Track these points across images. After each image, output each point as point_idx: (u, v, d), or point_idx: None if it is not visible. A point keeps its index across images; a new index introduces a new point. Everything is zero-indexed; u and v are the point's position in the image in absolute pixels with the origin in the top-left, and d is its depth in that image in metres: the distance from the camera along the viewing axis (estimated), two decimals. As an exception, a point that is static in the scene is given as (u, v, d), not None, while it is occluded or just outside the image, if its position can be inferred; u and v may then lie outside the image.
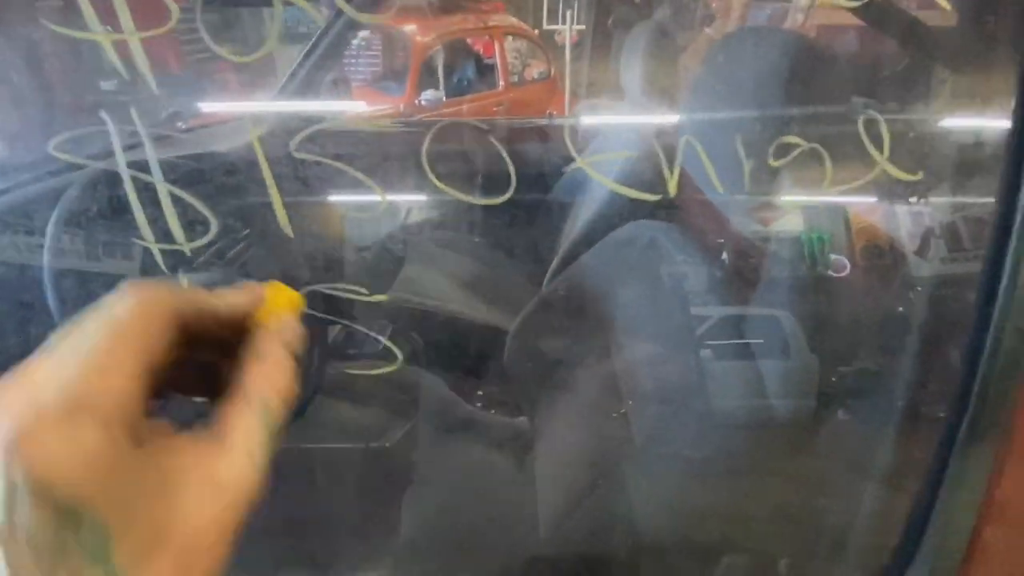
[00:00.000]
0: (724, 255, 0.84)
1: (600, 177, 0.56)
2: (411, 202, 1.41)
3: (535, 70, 4.08)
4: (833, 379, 0.75)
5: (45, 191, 0.85)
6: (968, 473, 0.44)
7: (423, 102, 3.13)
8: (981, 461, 0.43)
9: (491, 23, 3.61)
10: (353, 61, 3.60)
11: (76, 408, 0.24)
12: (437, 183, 0.60)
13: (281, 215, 0.60)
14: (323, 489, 1.00)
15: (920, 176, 0.64)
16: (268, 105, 1.52)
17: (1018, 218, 0.43)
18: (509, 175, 0.60)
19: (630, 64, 1.14)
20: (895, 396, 0.63)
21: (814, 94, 0.72)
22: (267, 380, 0.30)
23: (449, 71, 3.63)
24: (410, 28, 3.28)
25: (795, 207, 0.85)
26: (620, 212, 0.90)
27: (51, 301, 0.77)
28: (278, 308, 0.32)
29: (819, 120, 0.71)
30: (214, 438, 0.28)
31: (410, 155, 0.64)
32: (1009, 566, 0.46)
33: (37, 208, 0.81)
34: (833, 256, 0.82)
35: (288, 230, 0.61)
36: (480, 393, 1.24)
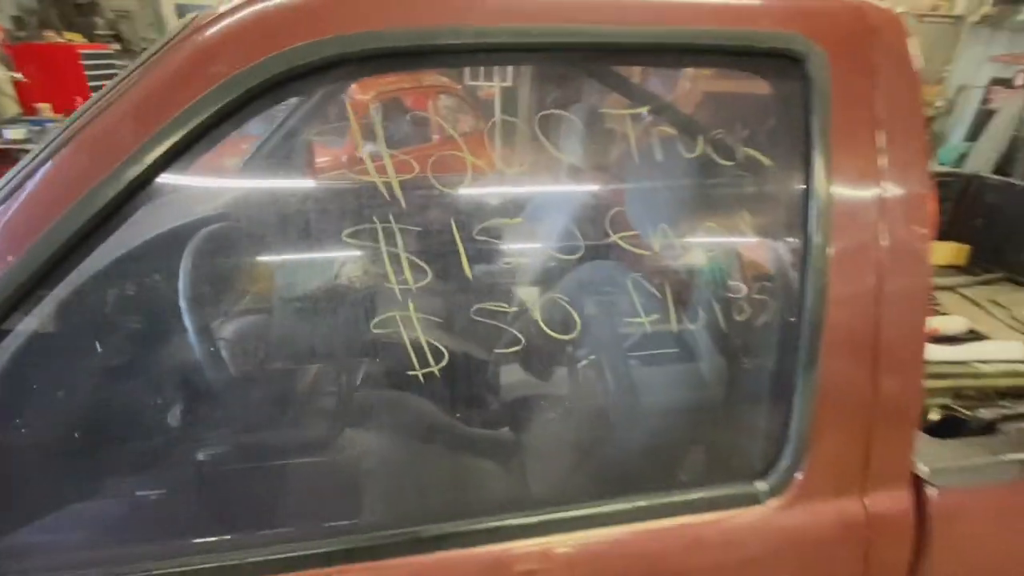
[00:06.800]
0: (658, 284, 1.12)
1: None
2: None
3: (465, 125, 4.39)
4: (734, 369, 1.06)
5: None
6: (805, 398, 0.82)
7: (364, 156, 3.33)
8: (809, 389, 0.81)
9: (425, 82, 3.90)
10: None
11: None
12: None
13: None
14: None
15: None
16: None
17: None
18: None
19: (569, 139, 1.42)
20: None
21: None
22: None
23: (387, 126, 3.87)
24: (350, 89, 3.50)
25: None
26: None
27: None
28: None
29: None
30: None
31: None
32: (837, 447, 0.84)
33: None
34: (730, 281, 1.13)
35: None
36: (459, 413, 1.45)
